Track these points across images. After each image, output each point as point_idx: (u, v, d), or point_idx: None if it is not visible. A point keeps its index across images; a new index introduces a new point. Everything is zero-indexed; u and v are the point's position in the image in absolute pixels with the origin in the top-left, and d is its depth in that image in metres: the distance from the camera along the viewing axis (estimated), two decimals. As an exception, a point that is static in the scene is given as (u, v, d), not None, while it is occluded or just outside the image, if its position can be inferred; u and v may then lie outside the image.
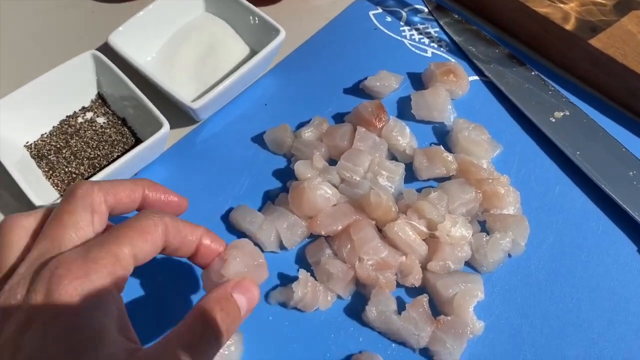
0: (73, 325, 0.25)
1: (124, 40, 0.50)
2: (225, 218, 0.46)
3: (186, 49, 0.52)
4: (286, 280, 0.43)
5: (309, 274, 0.42)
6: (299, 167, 0.46)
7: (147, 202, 0.34)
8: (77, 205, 0.30)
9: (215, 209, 0.47)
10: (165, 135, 0.45)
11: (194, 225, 0.34)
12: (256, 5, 0.53)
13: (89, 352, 0.25)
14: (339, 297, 0.42)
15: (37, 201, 0.42)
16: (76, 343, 0.25)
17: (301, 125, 0.50)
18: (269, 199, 0.47)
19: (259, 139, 0.50)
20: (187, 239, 0.33)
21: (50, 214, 0.31)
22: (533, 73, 0.52)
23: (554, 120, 0.49)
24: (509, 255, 0.44)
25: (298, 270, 0.43)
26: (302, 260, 0.44)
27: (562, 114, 0.50)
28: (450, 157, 0.46)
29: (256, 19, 0.52)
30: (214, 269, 0.35)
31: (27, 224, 0.31)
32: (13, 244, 0.30)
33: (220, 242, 0.35)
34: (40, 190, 0.45)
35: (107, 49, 0.50)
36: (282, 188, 0.48)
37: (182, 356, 0.27)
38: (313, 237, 0.45)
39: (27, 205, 0.44)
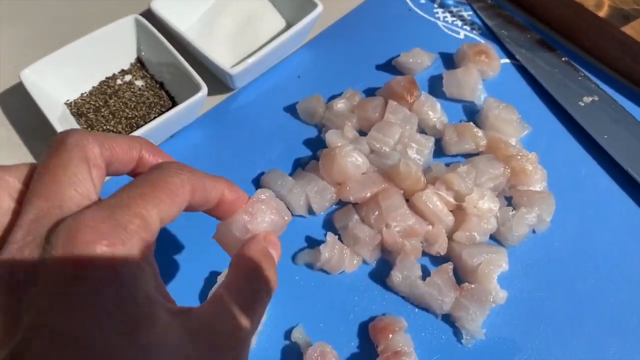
0: (120, 299, 0.21)
1: (165, 7, 0.51)
2: (256, 182, 0.47)
3: (224, 19, 0.53)
4: (313, 243, 0.44)
5: (336, 237, 0.43)
6: (331, 136, 0.47)
7: (142, 165, 0.28)
8: (70, 157, 0.24)
9: (247, 173, 0.48)
10: (202, 99, 0.47)
11: (215, 178, 0.29)
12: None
13: (145, 329, 0.21)
14: (364, 262, 0.43)
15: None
16: (128, 320, 0.21)
17: (333, 98, 0.51)
18: (300, 166, 0.48)
19: (291, 109, 0.51)
20: (211, 195, 0.28)
21: (35, 169, 0.25)
22: (563, 59, 0.53)
23: (582, 104, 0.50)
24: (534, 232, 0.45)
25: (325, 234, 0.44)
26: (329, 226, 0.45)
27: (590, 99, 0.50)
28: (480, 132, 0.47)
29: (294, -7, 0.53)
30: (237, 223, 0.31)
31: (9, 179, 0.25)
32: None
33: (242, 195, 0.31)
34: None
35: (147, 16, 0.51)
36: (312, 156, 0.49)
37: (236, 313, 0.26)
38: (340, 204, 0.46)
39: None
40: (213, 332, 0.25)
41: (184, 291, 0.41)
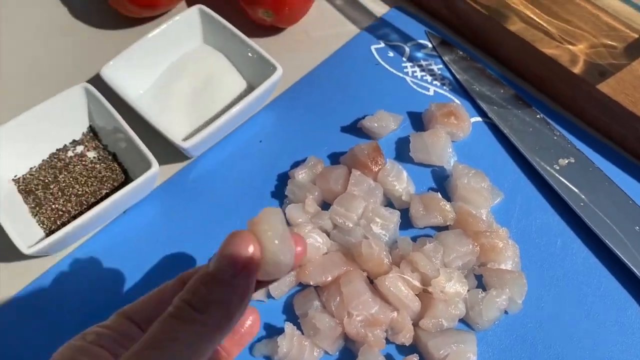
0: None
1: (117, 72, 0.49)
2: (213, 261, 0.45)
3: (182, 82, 0.51)
4: (272, 331, 0.42)
5: (295, 327, 0.40)
6: (291, 212, 0.45)
7: None
8: None
9: (204, 251, 0.45)
10: (154, 176, 0.44)
11: None
12: (257, 35, 0.51)
13: None
14: (325, 352, 0.41)
15: (19, 243, 0.41)
16: None
17: (296, 164, 0.49)
18: (259, 244, 0.45)
19: (252, 178, 0.49)
20: None
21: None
22: (538, 116, 0.50)
23: (558, 167, 0.48)
24: (505, 312, 0.42)
25: (285, 321, 0.41)
26: (290, 310, 0.43)
27: (567, 161, 0.48)
28: (447, 205, 0.44)
29: (254, 53, 0.50)
30: None
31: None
32: None
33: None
34: (24, 228, 0.44)
35: (98, 81, 0.49)
36: (273, 232, 0.46)
37: None
38: (302, 285, 0.44)
39: (9, 241, 0.43)
40: None
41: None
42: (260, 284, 0.27)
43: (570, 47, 0.50)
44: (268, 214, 0.27)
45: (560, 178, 0.47)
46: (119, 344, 0.27)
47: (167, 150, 0.48)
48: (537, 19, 0.51)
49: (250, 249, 0.24)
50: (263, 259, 0.25)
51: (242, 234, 0.25)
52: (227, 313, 0.24)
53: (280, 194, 0.48)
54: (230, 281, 0.24)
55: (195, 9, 0.52)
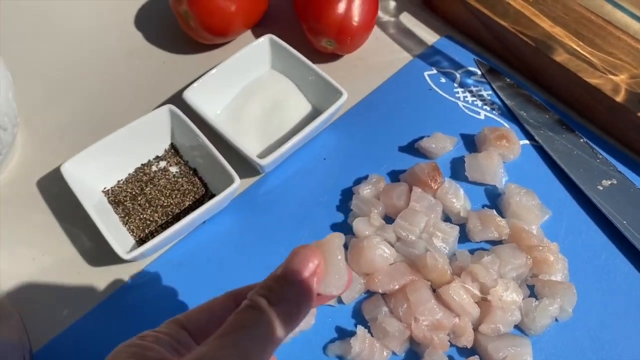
0: None
1: (197, 95, 0.54)
2: (287, 269, 0.49)
3: (253, 104, 0.56)
4: (343, 333, 0.46)
5: (366, 330, 0.45)
6: (358, 225, 0.49)
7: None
8: None
9: (274, 260, 0.49)
10: (235, 190, 0.49)
11: None
12: (317, 61, 0.56)
13: None
14: (393, 353, 0.45)
15: (119, 250, 0.45)
16: None
17: (358, 181, 0.53)
18: (328, 253, 0.50)
19: (317, 192, 0.53)
20: None
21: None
22: (582, 140, 0.55)
23: (601, 188, 0.52)
24: (556, 320, 0.46)
25: (355, 324, 0.46)
26: (358, 314, 0.47)
27: (609, 182, 0.52)
28: (503, 222, 0.48)
29: (319, 78, 0.55)
30: None
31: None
32: None
33: None
34: (117, 235, 0.48)
35: (178, 99, 0.54)
36: (340, 243, 0.50)
37: None
38: (369, 293, 0.48)
39: (103, 247, 0.47)
40: None
41: None
42: (319, 299, 0.31)
43: (613, 77, 0.54)
44: (333, 238, 0.32)
45: (604, 198, 0.51)
46: (173, 348, 0.30)
47: (238, 166, 0.53)
48: (581, 51, 0.55)
49: (317, 260, 0.30)
50: (325, 273, 0.30)
51: (311, 248, 0.30)
52: (296, 310, 0.28)
53: (343, 208, 0.52)
54: (300, 283, 0.29)
55: (266, 38, 0.57)
